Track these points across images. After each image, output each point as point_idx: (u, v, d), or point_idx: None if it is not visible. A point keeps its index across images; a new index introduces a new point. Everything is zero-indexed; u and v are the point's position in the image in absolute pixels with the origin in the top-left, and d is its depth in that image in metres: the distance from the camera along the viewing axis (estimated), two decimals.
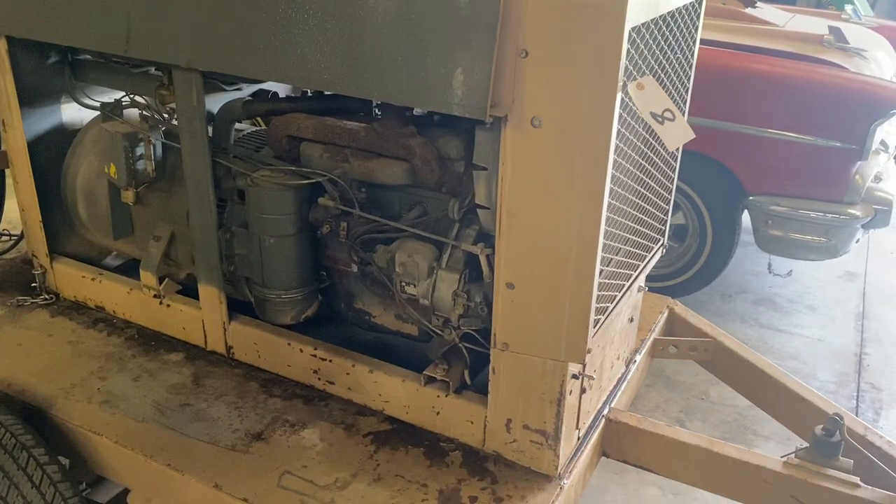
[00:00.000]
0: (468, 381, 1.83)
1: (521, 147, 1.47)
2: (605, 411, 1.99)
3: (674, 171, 2.00)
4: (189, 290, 2.20)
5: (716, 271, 3.88)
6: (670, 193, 2.02)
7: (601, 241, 1.48)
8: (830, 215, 3.45)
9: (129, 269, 2.51)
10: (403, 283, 1.80)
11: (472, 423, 1.80)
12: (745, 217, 3.78)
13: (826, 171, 3.42)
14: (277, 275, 1.92)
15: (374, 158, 1.80)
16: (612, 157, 1.41)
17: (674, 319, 2.51)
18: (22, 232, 2.56)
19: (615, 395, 2.06)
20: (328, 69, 1.56)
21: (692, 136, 1.39)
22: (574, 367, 1.65)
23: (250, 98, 2.08)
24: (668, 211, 2.04)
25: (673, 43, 1.70)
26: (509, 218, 1.54)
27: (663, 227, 2.05)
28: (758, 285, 4.36)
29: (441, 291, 1.76)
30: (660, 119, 1.39)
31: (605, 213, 1.46)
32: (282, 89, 2.26)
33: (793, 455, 1.86)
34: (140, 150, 2.04)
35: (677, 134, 1.38)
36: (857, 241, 3.58)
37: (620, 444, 1.99)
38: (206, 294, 2.07)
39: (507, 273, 1.60)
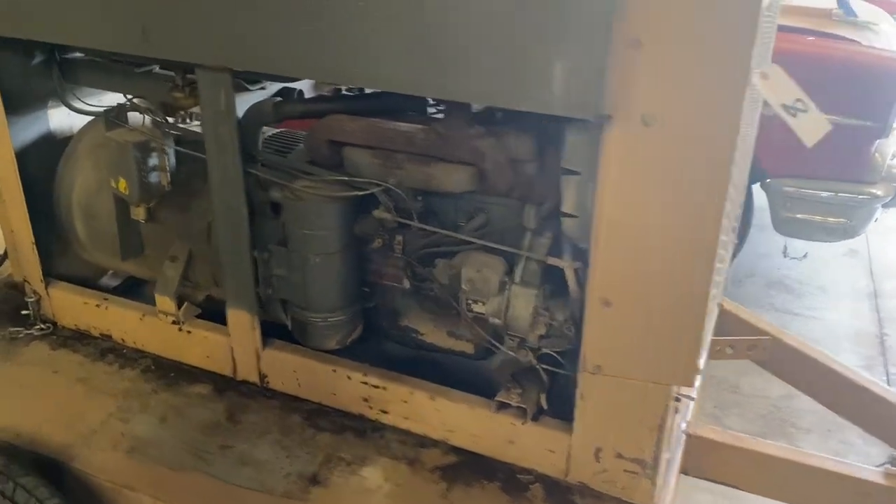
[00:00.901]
0: (544, 406, 1.65)
1: (629, 148, 1.28)
2: (683, 426, 1.84)
3: (749, 163, 1.85)
4: (208, 314, 1.97)
5: (732, 255, 3.76)
6: (746, 188, 1.87)
7: (719, 249, 1.32)
8: (850, 195, 3.35)
9: (129, 289, 2.28)
10: (470, 301, 1.61)
11: (552, 452, 1.63)
12: None
13: (846, 149, 3.31)
14: (323, 296, 1.71)
15: (433, 163, 1.59)
16: (736, 155, 1.24)
17: (725, 317, 2.36)
18: (5, 252, 2.29)
19: (689, 407, 1.91)
20: (404, 68, 1.34)
21: (829, 127, 1.22)
22: (675, 389, 1.49)
23: (281, 99, 1.85)
24: (742, 204, 1.89)
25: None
26: (610, 227, 1.36)
27: (737, 224, 1.90)
28: (766, 268, 4.27)
29: (516, 309, 1.58)
30: (792, 111, 1.22)
31: (724, 219, 1.29)
32: (306, 87, 2.03)
33: (888, 465, 1.74)
34: (153, 161, 1.80)
35: (813, 126, 1.21)
36: (876, 220, 3.50)
37: (700, 460, 1.84)
38: (237, 319, 1.84)
39: (603, 288, 1.42)
